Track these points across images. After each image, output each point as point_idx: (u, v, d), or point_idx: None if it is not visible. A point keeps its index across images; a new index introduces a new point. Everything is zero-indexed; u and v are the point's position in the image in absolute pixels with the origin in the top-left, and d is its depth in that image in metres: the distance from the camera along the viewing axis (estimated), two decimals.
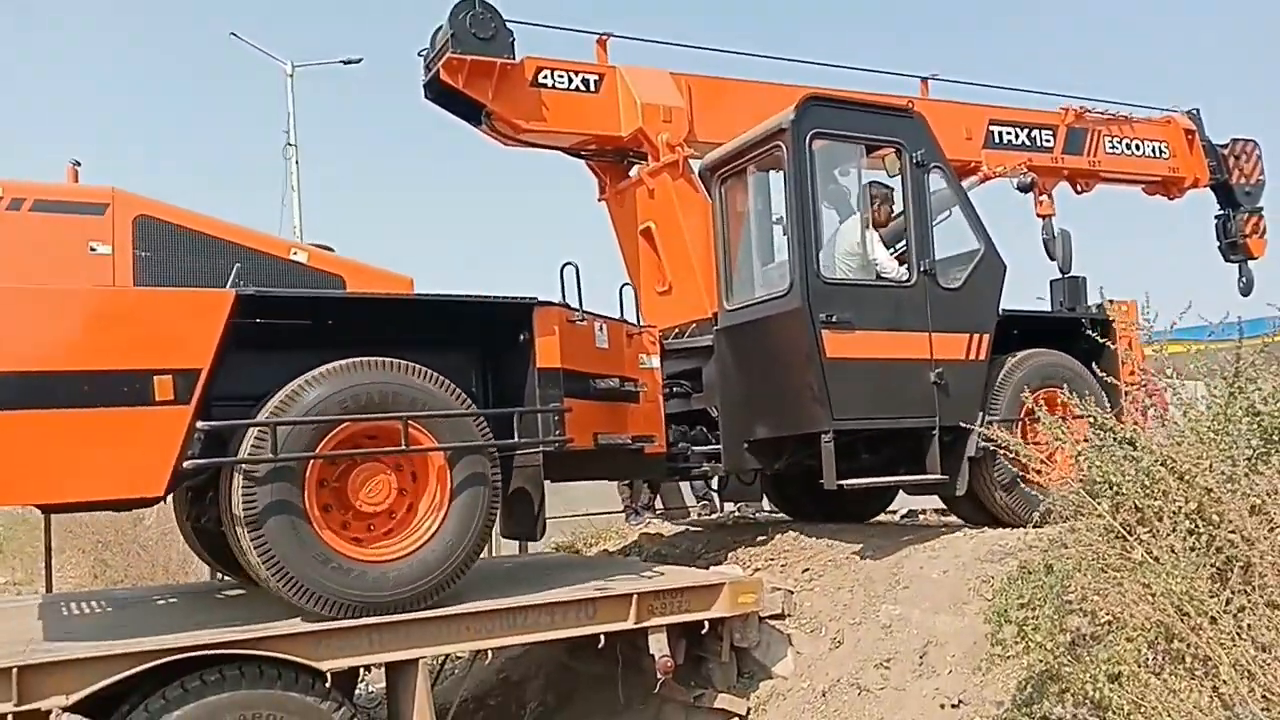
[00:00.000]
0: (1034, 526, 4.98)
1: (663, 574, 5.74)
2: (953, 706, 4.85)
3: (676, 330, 6.71)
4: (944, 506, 7.71)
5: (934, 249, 6.18)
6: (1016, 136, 8.23)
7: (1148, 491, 3.99)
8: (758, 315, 6.13)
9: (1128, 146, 8.74)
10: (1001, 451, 4.48)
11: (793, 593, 5.91)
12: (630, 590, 5.12)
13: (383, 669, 5.07)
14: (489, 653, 5.26)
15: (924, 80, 7.95)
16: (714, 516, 9.11)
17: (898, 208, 6.40)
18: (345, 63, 22.61)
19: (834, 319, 5.71)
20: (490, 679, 7.39)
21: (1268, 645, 3.50)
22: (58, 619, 5.27)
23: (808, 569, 6.18)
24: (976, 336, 6.21)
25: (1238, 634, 3.58)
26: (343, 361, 4.60)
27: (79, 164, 5.13)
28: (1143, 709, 3.69)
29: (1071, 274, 7.15)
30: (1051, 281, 7.17)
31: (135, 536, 13.77)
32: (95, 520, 13.90)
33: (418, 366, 4.75)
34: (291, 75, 22.31)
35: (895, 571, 5.77)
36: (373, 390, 4.62)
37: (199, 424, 4.24)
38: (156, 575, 12.65)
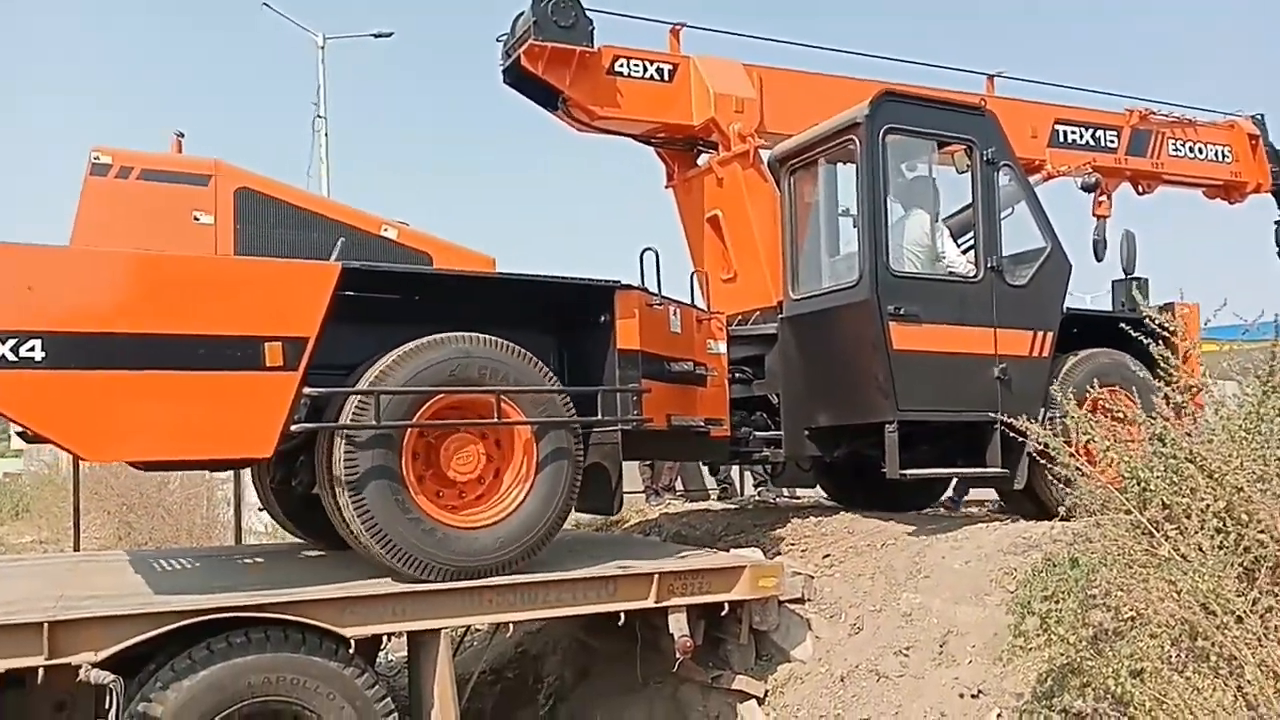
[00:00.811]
0: (1060, 520, 4.95)
1: (684, 555, 5.76)
2: (972, 696, 4.87)
3: (740, 317, 6.90)
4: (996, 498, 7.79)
5: (1002, 246, 6.30)
6: (1081, 136, 8.33)
7: (1176, 488, 3.97)
8: (825, 305, 6.29)
9: (1191, 149, 8.81)
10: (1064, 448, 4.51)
11: (813, 578, 5.94)
12: (651, 570, 5.19)
13: (405, 638, 5.10)
14: (509, 626, 5.32)
15: (990, 77, 8.06)
16: (734, 500, 9.13)
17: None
18: (376, 36, 22.61)
19: (901, 311, 5.86)
20: (509, 652, 7.49)
21: None
22: (154, 574, 5.47)
23: (828, 554, 6.24)
24: (1041, 334, 6.32)
25: (1264, 634, 3.58)
26: (442, 335, 4.80)
27: (183, 135, 5.32)
28: (1165, 706, 3.69)
29: (1134, 275, 7.23)
30: (1114, 282, 7.28)
31: (160, 500, 13.95)
32: (120, 483, 14.12)
33: (510, 344, 4.94)
34: (323, 47, 22.35)
35: (917, 560, 5.78)
36: (470, 364, 4.82)
37: (305, 390, 4.45)
38: (180, 538, 12.84)
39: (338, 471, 4.55)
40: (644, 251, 5.97)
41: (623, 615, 5.12)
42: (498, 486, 5.03)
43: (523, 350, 4.98)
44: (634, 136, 7.44)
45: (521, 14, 6.64)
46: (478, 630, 7.01)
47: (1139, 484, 4.09)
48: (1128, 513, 4.10)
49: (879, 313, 5.79)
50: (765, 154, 6.95)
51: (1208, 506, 3.85)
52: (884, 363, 5.81)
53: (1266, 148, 9.04)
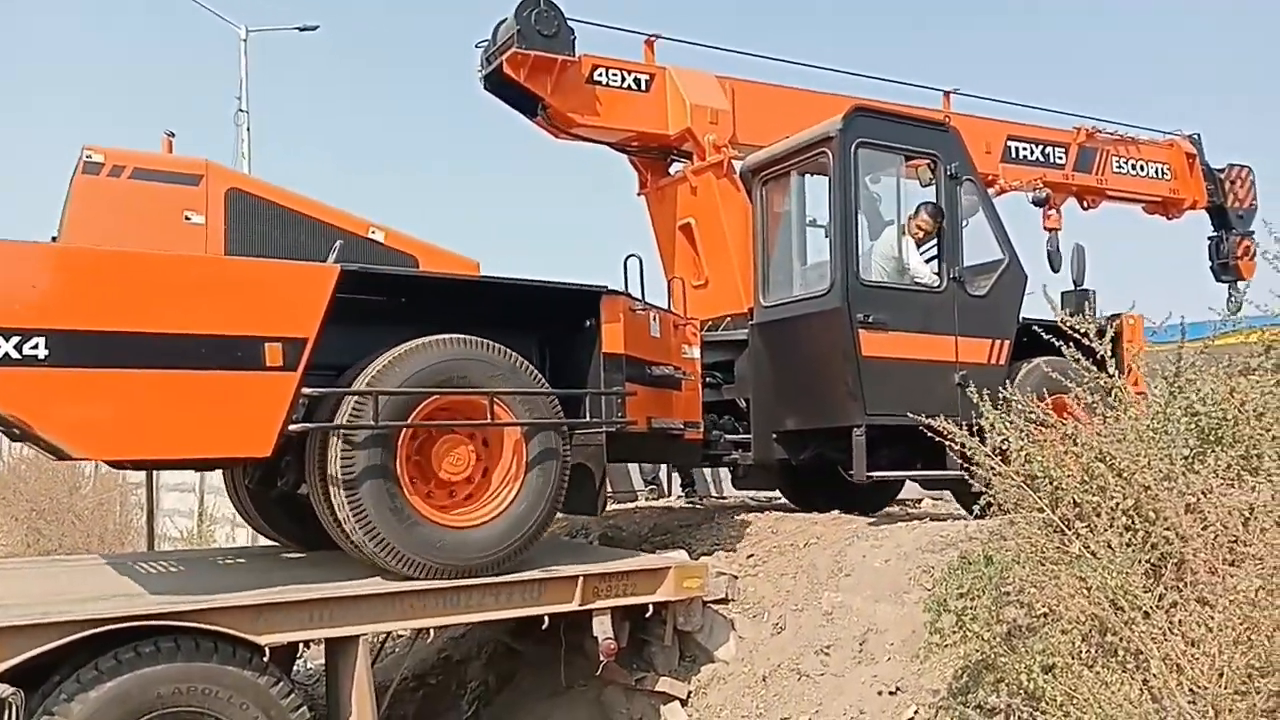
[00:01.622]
0: (975, 519, 5.03)
1: (609, 556, 5.74)
2: (890, 693, 4.93)
3: (710, 323, 7.13)
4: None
5: (963, 258, 6.62)
6: (1032, 153, 8.74)
7: (1086, 487, 4.05)
8: (796, 312, 6.56)
9: (1133, 167, 9.31)
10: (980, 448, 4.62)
11: (737, 578, 5.99)
12: (576, 572, 5.18)
13: (322, 644, 5.00)
14: (430, 631, 5.27)
15: (946, 94, 8.39)
16: (660, 501, 9.14)
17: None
18: (301, 29, 22.21)
19: (870, 319, 6.14)
20: (431, 658, 7.40)
21: (1197, 640, 3.57)
22: (60, 581, 5.35)
23: (752, 554, 6.29)
24: (998, 342, 6.64)
25: (1169, 629, 3.65)
26: (437, 337, 4.90)
27: (173, 135, 5.38)
28: (1075, 700, 3.75)
29: (1082, 287, 7.55)
30: (1063, 293, 7.59)
31: (70, 505, 13.54)
32: (29, 487, 13.64)
33: (500, 347, 5.05)
34: (245, 39, 21.88)
35: (838, 559, 5.84)
36: (463, 366, 4.93)
37: (304, 390, 4.51)
38: (92, 544, 12.47)
39: (333, 470, 4.62)
40: (628, 258, 6.26)
41: (547, 618, 5.10)
42: (487, 486, 5.13)
43: (512, 352, 5.08)
44: (609, 144, 7.66)
45: (503, 21, 6.81)
46: (399, 636, 6.91)
47: (1051, 482, 4.18)
48: (1040, 511, 4.19)
49: (849, 320, 6.06)
50: (736, 165, 7.18)
51: (1117, 505, 3.94)
52: (853, 369, 6.09)
53: (1203, 166, 9.49)
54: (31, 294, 4.05)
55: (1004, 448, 4.40)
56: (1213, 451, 3.99)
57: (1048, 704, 3.87)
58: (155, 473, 10.73)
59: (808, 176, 6.83)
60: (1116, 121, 9.23)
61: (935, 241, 6.68)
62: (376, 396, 4.64)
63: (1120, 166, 9.20)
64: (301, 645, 5.03)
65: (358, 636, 4.58)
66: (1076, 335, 4.42)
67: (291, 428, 4.50)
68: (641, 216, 8.03)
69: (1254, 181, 9.72)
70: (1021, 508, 4.37)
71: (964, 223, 6.74)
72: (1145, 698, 3.66)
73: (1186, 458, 3.98)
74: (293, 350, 4.46)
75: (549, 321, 5.63)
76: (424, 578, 4.77)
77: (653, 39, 7.38)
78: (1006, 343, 6.60)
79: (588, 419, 5.35)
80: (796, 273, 6.86)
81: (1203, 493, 3.83)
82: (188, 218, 4.99)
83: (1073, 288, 7.49)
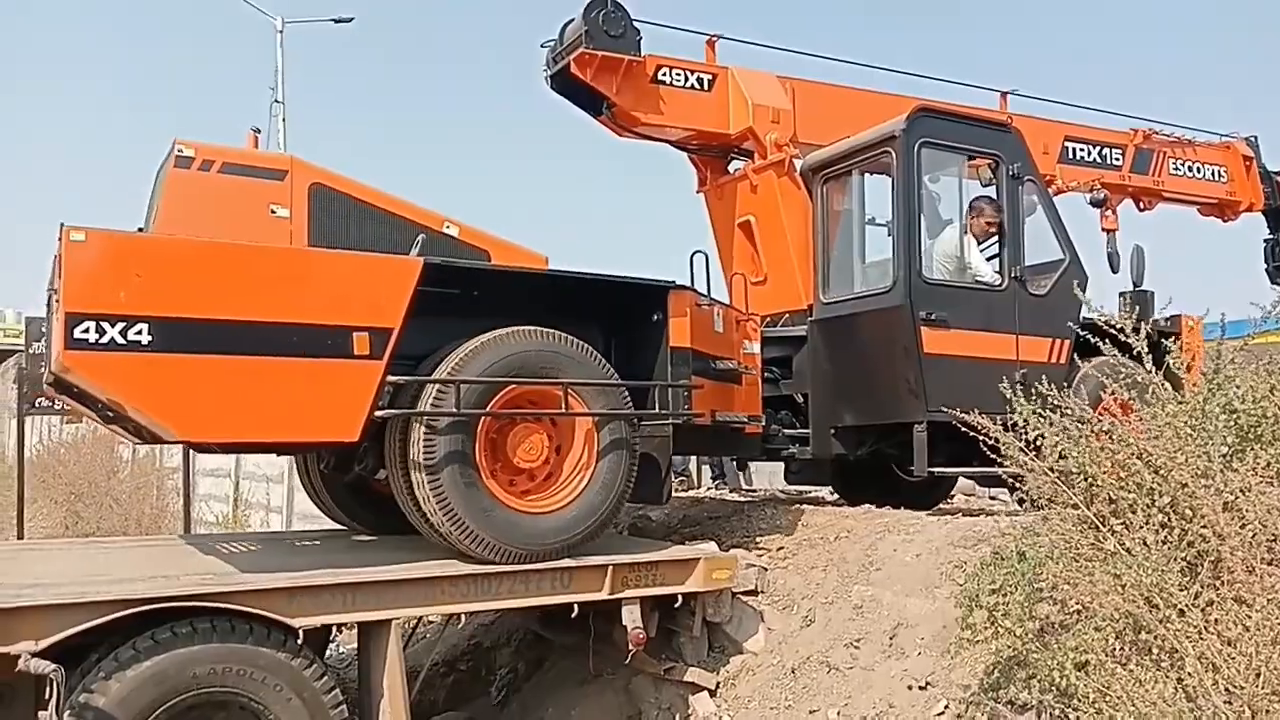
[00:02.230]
0: (1008, 515, 5.01)
1: (638, 547, 5.76)
2: (920, 688, 4.91)
3: (769, 319, 7.28)
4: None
5: (1025, 257, 6.74)
6: (1089, 154, 8.80)
7: (1122, 484, 4.02)
8: (857, 309, 6.70)
9: (1190, 169, 9.36)
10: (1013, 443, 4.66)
11: (767, 570, 5.98)
12: (605, 562, 5.21)
13: (355, 629, 5.06)
14: (461, 618, 5.28)
15: (1003, 94, 8.48)
16: (690, 492, 9.17)
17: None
18: (336, 21, 22.39)
19: (932, 317, 6.26)
20: (461, 644, 7.47)
21: (1233, 640, 3.54)
22: (99, 562, 5.44)
23: (782, 547, 6.31)
24: (1059, 341, 6.68)
25: (1204, 628, 3.63)
26: (516, 328, 5.10)
27: (259, 131, 5.74)
28: (1108, 698, 3.73)
29: (1141, 288, 7.63)
30: (1121, 293, 7.71)
31: (109, 489, 13.77)
32: (68, 471, 13.87)
33: (574, 339, 5.23)
34: (281, 31, 22.11)
35: (869, 553, 5.83)
36: (540, 357, 5.12)
37: (389, 378, 4.71)
38: (129, 528, 12.71)
39: (415, 456, 4.82)
40: (694, 254, 6.44)
41: (576, 607, 5.15)
42: (558, 474, 5.32)
43: (585, 345, 5.26)
44: (670, 142, 7.83)
45: (570, 22, 7.00)
46: (431, 622, 6.97)
47: (1086, 478, 4.14)
48: (1075, 507, 4.15)
49: (912, 317, 6.18)
50: (796, 163, 7.32)
51: (1153, 501, 3.90)
52: (915, 365, 6.22)
53: (1260, 169, 9.48)
54: (136, 282, 4.24)
55: (1039, 444, 4.37)
56: (1251, 449, 3.96)
57: (1080, 701, 3.85)
58: (192, 458, 10.96)
59: (868, 175, 6.96)
60: (1173, 124, 9.28)
61: (995, 240, 6.79)
62: (459, 385, 4.84)
63: (1177, 168, 9.25)
64: (335, 629, 5.08)
65: (389, 621, 4.65)
66: (1125, 337, 4.39)
67: (377, 413, 4.72)
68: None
69: None
70: (1055, 503, 4.34)
71: (1024, 222, 6.83)
72: (1180, 696, 3.63)
73: (1225, 455, 3.95)
74: (379, 340, 4.66)
75: (615, 314, 5.79)
76: (501, 561, 4.96)
77: (714, 39, 7.53)
78: (1067, 342, 6.65)
79: (656, 410, 5.54)
80: (857, 270, 7.02)
81: (1241, 490, 3.79)
82: (273, 211, 5.18)
83: (1131, 288, 7.59)
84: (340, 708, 4.43)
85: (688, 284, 5.95)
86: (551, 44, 7.20)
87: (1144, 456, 4.04)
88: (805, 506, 6.99)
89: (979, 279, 6.66)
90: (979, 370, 6.26)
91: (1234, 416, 4.07)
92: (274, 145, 21.74)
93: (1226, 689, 3.49)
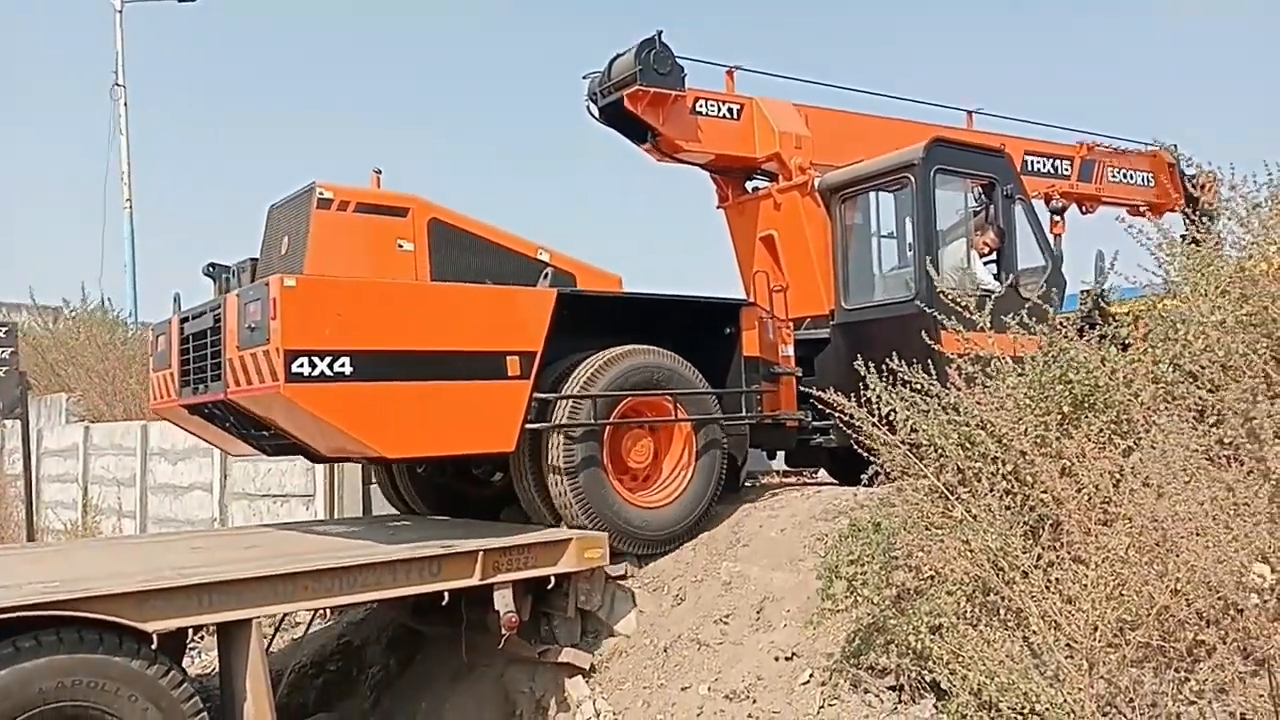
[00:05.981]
0: (865, 486, 5.17)
1: (508, 530, 5.77)
2: (786, 659, 5.09)
3: (790, 323, 8.10)
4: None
5: (1018, 265, 7.81)
6: (1044, 166, 10.10)
7: (969, 454, 4.19)
8: (879, 315, 7.65)
9: (1124, 176, 10.80)
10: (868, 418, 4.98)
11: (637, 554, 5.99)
12: (476, 546, 5.40)
13: (215, 632, 4.88)
14: (329, 614, 5.16)
15: (969, 113, 9.62)
16: None
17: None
18: (180, 0, 21.33)
19: (949, 321, 6.63)
20: (330, 643, 7.38)
21: (1072, 598, 3.77)
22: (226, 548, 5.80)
23: None
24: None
25: (1047, 587, 3.85)
26: (631, 347, 6.08)
27: (380, 171, 6.25)
28: (960, 658, 3.93)
29: (1101, 285, 8.35)
30: (1081, 291, 8.35)
31: None
32: None
33: (674, 354, 6.21)
34: (120, 11, 21.01)
35: (736, 529, 6.03)
36: (653, 371, 6.12)
37: (536, 395, 5.68)
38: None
39: (554, 462, 5.79)
40: (755, 273, 7.64)
41: (447, 595, 5.13)
42: (657, 475, 6.38)
43: (684, 359, 6.23)
44: (701, 165, 8.82)
45: (618, 57, 7.81)
46: (297, 621, 6.76)
47: (936, 450, 4.30)
48: (925, 478, 4.30)
49: (934, 321, 6.52)
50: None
51: (997, 470, 4.09)
52: (934, 364, 6.42)
53: (1179, 173, 10.95)
54: (337, 320, 5.00)
55: (892, 418, 4.51)
56: (1085, 417, 4.16)
57: (935, 663, 4.07)
58: (34, 465, 10.29)
59: (881, 194, 8.06)
60: (1105, 134, 10.66)
61: (995, 254, 8.00)
62: (595, 399, 5.83)
63: (1114, 176, 10.66)
64: (192, 632, 4.89)
65: (249, 620, 4.57)
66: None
67: (527, 426, 5.64)
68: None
69: (1219, 185, 10.57)
70: (909, 475, 4.49)
71: (1016, 235, 7.92)
72: (1026, 653, 3.86)
73: (1060, 423, 4.14)
74: (526, 361, 5.59)
75: (693, 329, 6.71)
76: (632, 550, 6.01)
77: (733, 70, 8.51)
78: None
79: (740, 414, 6.60)
80: (877, 280, 8.13)
81: (1076, 457, 4.02)
82: (400, 245, 5.79)
83: (1091, 286, 8.41)
84: (200, 715, 4.36)
85: (752, 300, 7.14)
86: (597, 76, 7.99)
87: (988, 427, 4.23)
88: None
89: (983, 286, 7.47)
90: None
91: (1069, 387, 4.30)
92: (115, 133, 20.80)
93: (1068, 644, 3.73)
